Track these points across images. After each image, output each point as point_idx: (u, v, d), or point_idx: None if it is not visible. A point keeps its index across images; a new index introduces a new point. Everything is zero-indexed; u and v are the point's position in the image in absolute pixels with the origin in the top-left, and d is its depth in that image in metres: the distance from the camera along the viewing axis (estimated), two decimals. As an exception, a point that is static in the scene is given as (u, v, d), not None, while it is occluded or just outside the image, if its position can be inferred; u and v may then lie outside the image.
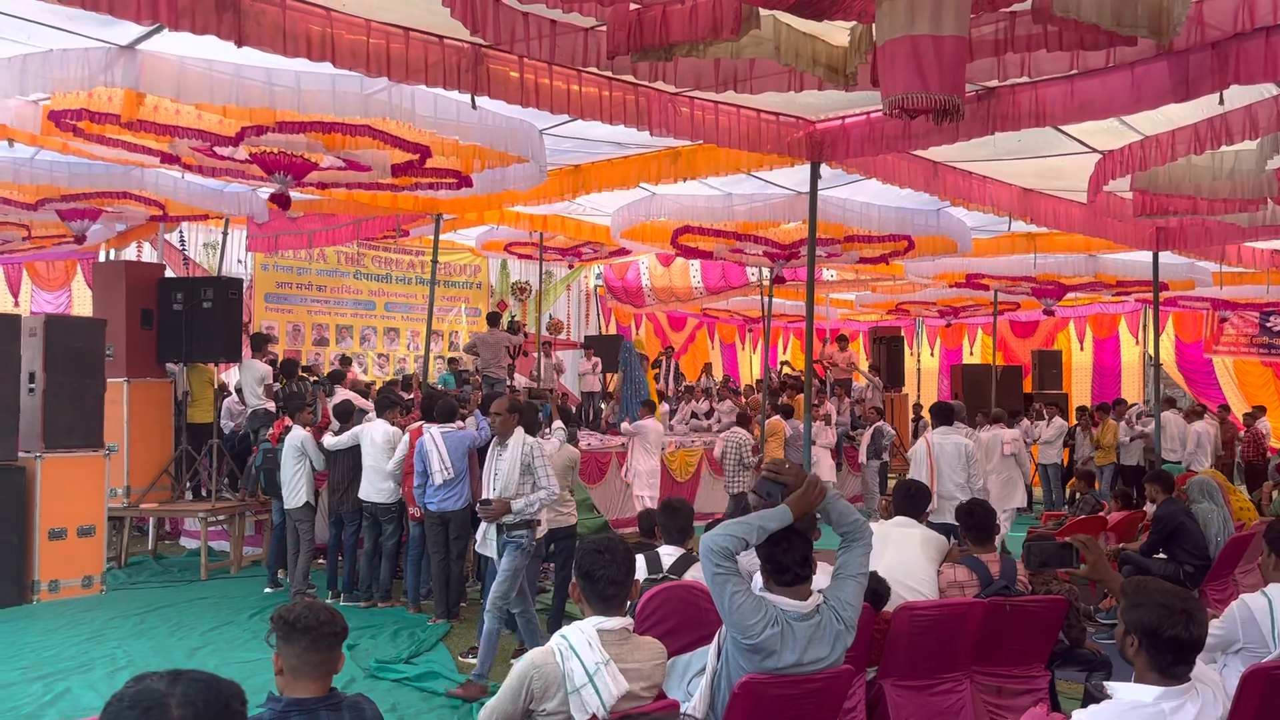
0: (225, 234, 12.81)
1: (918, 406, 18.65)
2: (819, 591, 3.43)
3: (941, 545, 5.31)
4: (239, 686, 1.97)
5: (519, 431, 6.31)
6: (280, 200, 7.95)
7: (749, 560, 3.64)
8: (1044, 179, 8.89)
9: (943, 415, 9.16)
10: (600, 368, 15.54)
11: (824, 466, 12.48)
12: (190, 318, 10.15)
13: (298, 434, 8.59)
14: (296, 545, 8.65)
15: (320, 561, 9.47)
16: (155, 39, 5.83)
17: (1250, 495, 12.08)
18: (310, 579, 9.09)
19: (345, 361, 15.08)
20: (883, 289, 17.17)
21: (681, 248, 11.59)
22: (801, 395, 10.64)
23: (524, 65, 5.91)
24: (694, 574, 4.61)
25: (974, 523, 5.24)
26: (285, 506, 8.66)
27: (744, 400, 15.77)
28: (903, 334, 20.55)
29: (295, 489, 8.56)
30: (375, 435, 8.34)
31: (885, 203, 9.71)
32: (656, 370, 17.56)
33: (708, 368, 19.96)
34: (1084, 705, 4.02)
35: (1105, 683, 2.83)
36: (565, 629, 3.19)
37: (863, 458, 13.80)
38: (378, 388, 12.23)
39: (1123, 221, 9.59)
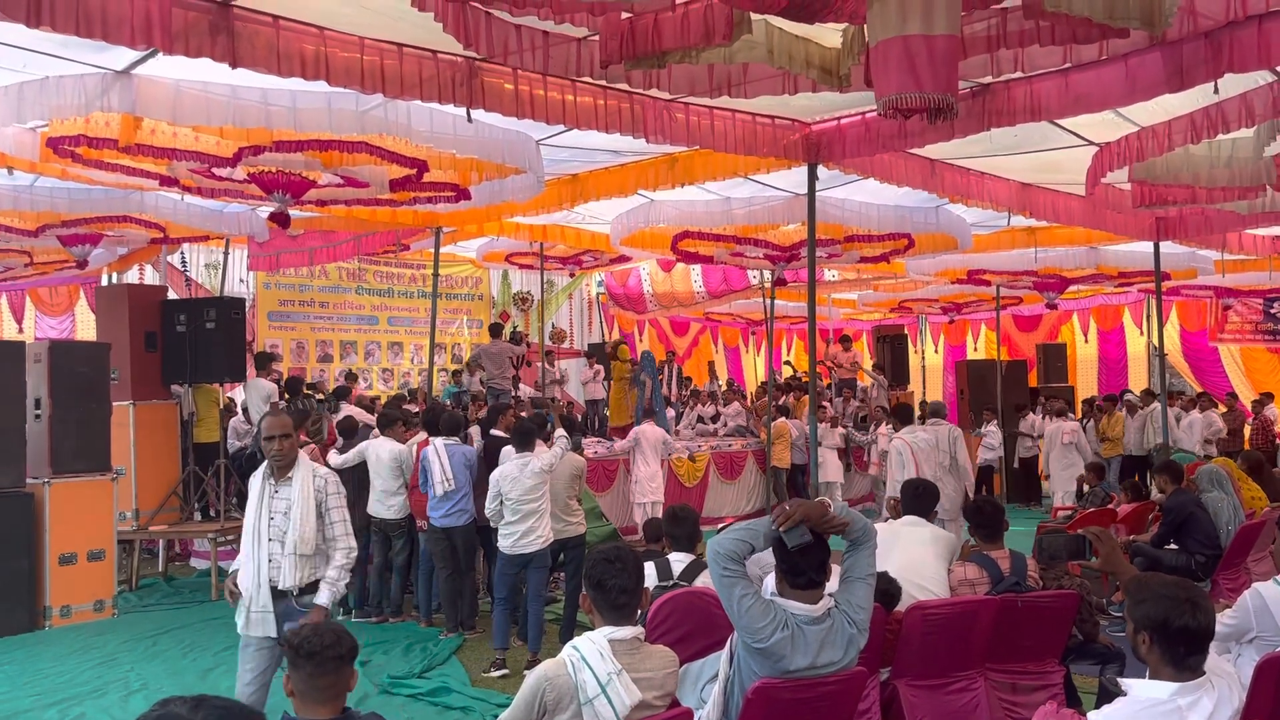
0: (226, 254, 12.84)
1: (924, 404, 18.60)
2: (829, 595, 3.42)
3: (951, 543, 5.30)
4: (262, 715, 1.97)
5: (305, 459, 4.93)
6: (280, 219, 7.97)
7: (763, 564, 3.65)
8: (1042, 173, 8.89)
9: (905, 416, 9.89)
10: (603, 375, 15.54)
11: (830, 468, 12.48)
12: (194, 339, 10.16)
13: None
14: None
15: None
16: (150, 63, 5.86)
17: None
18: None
19: (351, 378, 15.11)
20: (885, 287, 17.17)
21: (682, 253, 11.61)
22: (805, 396, 10.65)
23: (518, 77, 5.93)
24: (704, 580, 4.60)
25: (982, 520, 5.22)
26: None
27: (750, 403, 15.77)
28: (906, 332, 20.54)
29: None
30: (381, 453, 8.32)
31: (884, 201, 9.71)
32: (659, 376, 17.56)
33: (711, 366, 19.95)
34: (1099, 702, 4.02)
35: (1121, 680, 2.81)
36: (577, 639, 3.18)
37: (876, 456, 13.78)
38: (383, 403, 12.24)
39: (1122, 213, 9.59)
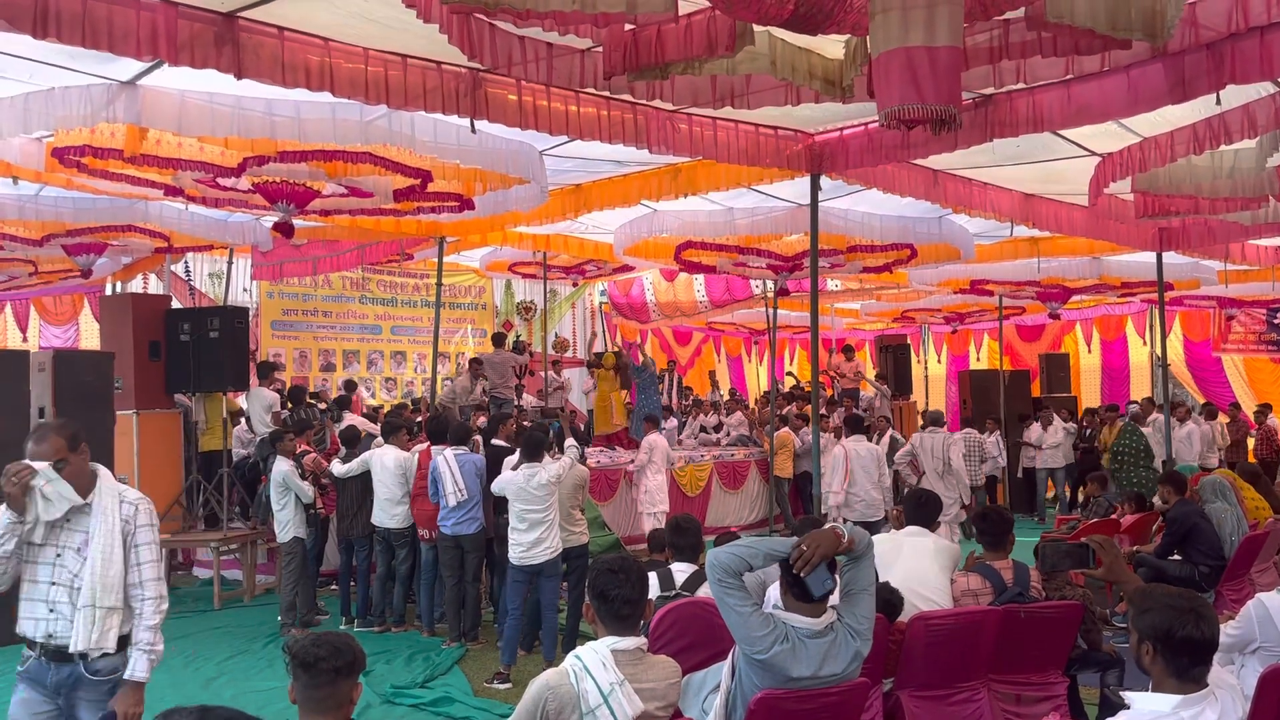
0: (230, 263, 12.88)
1: (924, 413, 18.56)
2: (832, 608, 3.42)
3: (954, 554, 5.29)
4: None
5: (106, 478, 3.75)
6: (284, 229, 7.99)
7: (767, 572, 3.65)
8: (1044, 183, 8.90)
9: (854, 425, 10.44)
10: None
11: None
12: (198, 348, 10.17)
13: (280, 467, 8.32)
14: (289, 578, 8.38)
15: (333, 588, 9.47)
16: (156, 74, 5.88)
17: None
18: (324, 605, 9.10)
19: (350, 386, 15.13)
20: (887, 297, 17.17)
21: (685, 263, 11.62)
22: (809, 406, 10.67)
23: (522, 88, 5.95)
24: (706, 590, 4.60)
25: (988, 528, 5.19)
26: (278, 540, 8.49)
27: (753, 413, 15.75)
28: (909, 342, 20.52)
29: (283, 524, 8.31)
30: (386, 461, 8.32)
31: (886, 212, 9.72)
32: (660, 385, 17.54)
33: (712, 375, 19.92)
34: (1101, 714, 4.01)
35: (1123, 692, 2.81)
36: (579, 649, 3.19)
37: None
38: (385, 412, 12.25)
39: (1125, 223, 9.59)
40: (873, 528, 8.79)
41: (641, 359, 14.88)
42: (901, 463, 11.60)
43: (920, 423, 15.88)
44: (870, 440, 11.74)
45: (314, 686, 2.68)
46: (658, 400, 14.52)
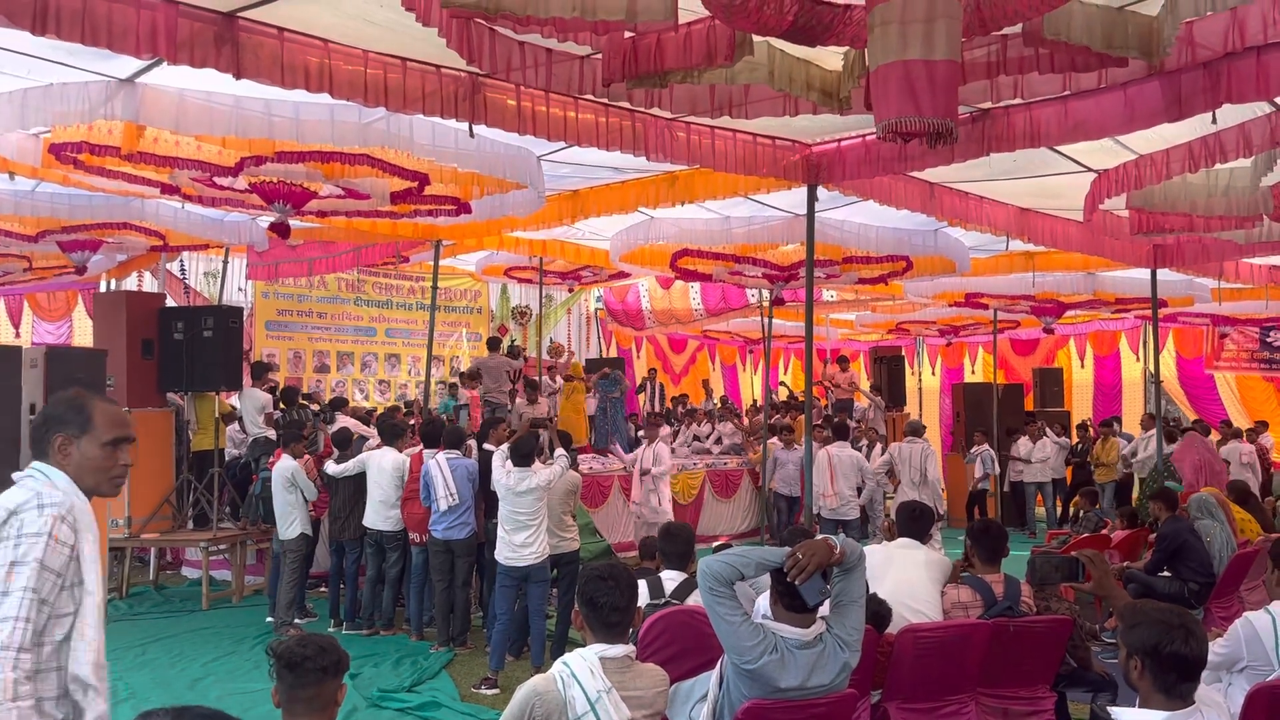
0: (226, 263, 12.86)
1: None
2: (822, 619, 3.42)
3: (945, 566, 5.29)
4: None
5: None
6: (280, 229, 7.99)
7: (757, 584, 3.64)
8: (1040, 198, 8.92)
9: (840, 431, 11.22)
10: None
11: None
12: (191, 347, 10.14)
13: (287, 464, 8.39)
14: (290, 575, 8.44)
15: (322, 590, 9.44)
16: (154, 72, 5.88)
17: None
18: (313, 608, 9.08)
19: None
20: (882, 309, 17.20)
21: (681, 271, 11.63)
22: (802, 416, 10.67)
23: (521, 93, 5.95)
24: (696, 599, 4.59)
25: (987, 541, 5.15)
26: (280, 537, 8.51)
27: (745, 422, 15.75)
28: (903, 353, 20.51)
29: (289, 520, 8.37)
30: (384, 464, 8.31)
31: (883, 224, 9.74)
32: (642, 394, 17.55)
33: (705, 384, 19.90)
34: (1089, 728, 3.99)
35: (1110, 708, 2.81)
36: (567, 656, 3.18)
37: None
38: (378, 414, 12.22)
39: (1120, 239, 9.61)
40: (847, 526, 10.45)
41: (611, 374, 14.87)
42: (880, 472, 11.67)
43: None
44: (858, 449, 11.87)
45: (299, 687, 2.67)
46: (623, 419, 14.50)
